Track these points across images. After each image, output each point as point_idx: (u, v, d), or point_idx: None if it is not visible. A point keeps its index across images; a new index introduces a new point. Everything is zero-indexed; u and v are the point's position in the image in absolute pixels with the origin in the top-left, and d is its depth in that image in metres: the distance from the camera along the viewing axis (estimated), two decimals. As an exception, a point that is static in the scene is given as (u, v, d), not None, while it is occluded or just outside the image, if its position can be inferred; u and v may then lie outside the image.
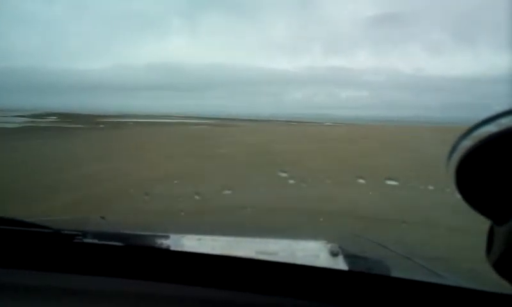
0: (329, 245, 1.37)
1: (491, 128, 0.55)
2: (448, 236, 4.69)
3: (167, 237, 1.38)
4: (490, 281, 0.95)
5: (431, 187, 6.56)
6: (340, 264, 1.22)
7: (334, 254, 1.28)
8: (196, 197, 5.34)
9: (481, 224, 0.66)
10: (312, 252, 1.48)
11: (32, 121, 33.81)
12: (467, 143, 0.57)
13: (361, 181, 7.08)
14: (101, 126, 31.08)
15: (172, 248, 1.28)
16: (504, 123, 0.55)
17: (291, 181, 6.61)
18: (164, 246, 1.29)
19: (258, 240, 1.59)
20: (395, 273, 1.12)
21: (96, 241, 1.19)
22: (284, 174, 6.74)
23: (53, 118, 39.37)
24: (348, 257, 1.25)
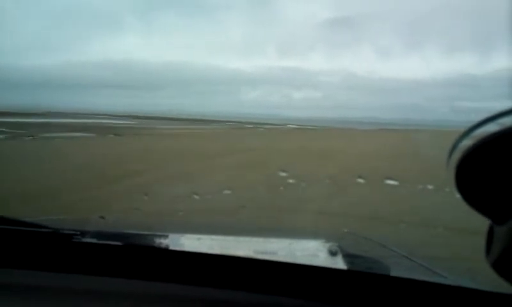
0: (328, 245, 1.37)
1: (491, 128, 0.55)
2: (448, 236, 4.70)
3: (166, 237, 1.38)
4: (489, 280, 0.95)
5: (430, 187, 6.60)
6: (339, 263, 1.22)
7: (333, 254, 1.28)
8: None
9: (480, 223, 0.65)
10: (311, 251, 1.48)
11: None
12: (467, 143, 0.57)
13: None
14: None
15: (171, 247, 1.28)
16: (504, 122, 0.55)
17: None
18: (163, 246, 1.29)
19: (257, 239, 1.59)
20: (394, 272, 1.12)
21: (95, 241, 1.19)
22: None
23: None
24: (347, 256, 1.25)
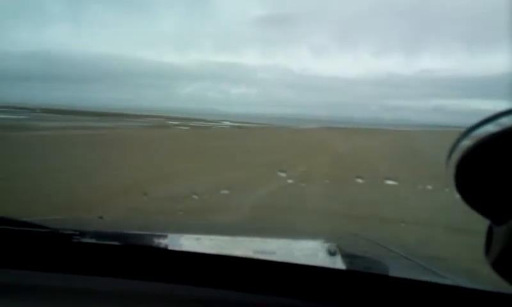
0: (327, 245, 1.37)
1: (491, 128, 0.55)
2: (447, 236, 4.71)
3: (165, 237, 1.37)
4: (488, 280, 0.95)
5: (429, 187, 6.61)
6: (338, 263, 1.22)
7: (332, 254, 1.28)
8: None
9: (480, 223, 0.65)
10: (310, 251, 1.48)
11: None
12: (466, 143, 0.57)
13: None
14: None
15: (170, 247, 1.27)
16: (504, 122, 0.55)
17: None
18: (162, 246, 1.29)
19: (256, 239, 1.59)
20: (394, 272, 1.12)
21: (93, 241, 1.19)
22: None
23: None
24: (346, 256, 1.25)
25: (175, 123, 38.27)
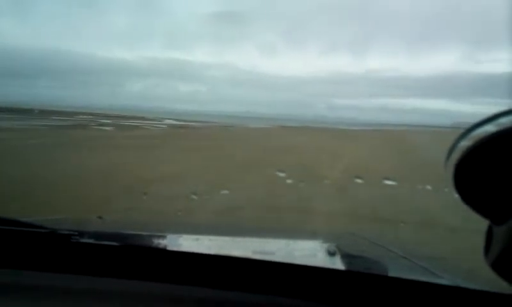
0: (326, 245, 1.37)
1: (490, 128, 0.55)
2: (447, 236, 4.71)
3: (164, 237, 1.37)
4: (488, 280, 0.95)
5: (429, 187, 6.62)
6: (338, 264, 1.22)
7: (331, 254, 1.28)
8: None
9: (479, 224, 0.65)
10: (309, 251, 1.48)
11: None
12: (466, 143, 0.57)
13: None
14: None
15: (169, 248, 1.27)
16: (503, 123, 0.55)
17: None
18: (161, 246, 1.29)
19: (255, 239, 1.59)
20: (393, 273, 1.12)
21: (93, 241, 1.19)
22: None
23: None
24: (345, 257, 1.25)
25: (106, 121, 35.08)
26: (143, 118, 47.59)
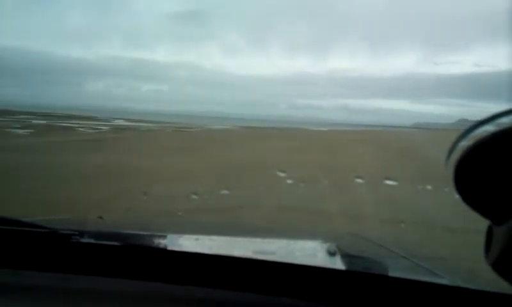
0: (326, 245, 1.37)
1: (490, 128, 0.55)
2: (447, 236, 4.71)
3: (164, 237, 1.37)
4: (488, 280, 0.95)
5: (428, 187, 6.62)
6: (338, 264, 1.22)
7: (331, 254, 1.28)
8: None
9: (480, 224, 0.65)
10: (309, 251, 1.48)
11: None
12: (466, 143, 0.57)
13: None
14: None
15: (169, 248, 1.27)
16: (503, 123, 0.55)
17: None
18: (161, 246, 1.29)
19: (255, 239, 1.59)
20: (393, 273, 1.12)
21: (93, 241, 1.19)
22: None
23: None
24: (346, 257, 1.25)
25: (39, 122, 31.25)
26: (89, 118, 43.47)
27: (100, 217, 1.75)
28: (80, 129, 27.59)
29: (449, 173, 0.60)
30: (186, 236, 1.54)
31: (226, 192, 6.56)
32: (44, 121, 33.24)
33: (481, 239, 0.65)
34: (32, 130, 23.11)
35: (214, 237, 1.54)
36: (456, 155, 0.58)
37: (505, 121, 0.54)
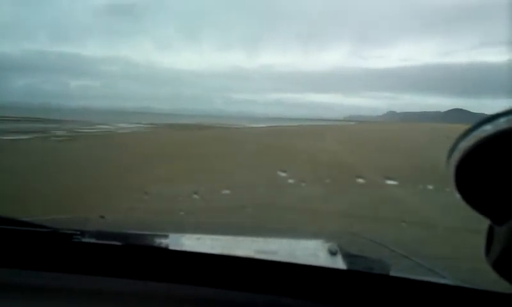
0: (328, 245, 1.36)
1: (491, 128, 0.55)
2: (448, 235, 4.70)
3: (166, 236, 1.37)
4: (489, 280, 0.94)
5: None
6: (339, 263, 1.22)
7: (333, 254, 1.28)
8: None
9: (480, 223, 0.65)
10: (310, 251, 1.47)
11: None
12: (466, 143, 0.57)
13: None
14: None
15: (171, 247, 1.27)
16: (503, 122, 0.55)
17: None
18: (163, 245, 1.29)
19: (257, 239, 1.59)
20: (394, 272, 1.12)
21: (94, 240, 1.19)
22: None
23: None
24: (347, 256, 1.25)
25: None
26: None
27: (102, 217, 1.75)
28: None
29: (450, 172, 0.60)
30: (187, 235, 1.54)
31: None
32: None
33: (482, 239, 0.65)
34: None
35: (215, 236, 1.54)
36: (456, 155, 0.58)
37: (505, 121, 0.54)
